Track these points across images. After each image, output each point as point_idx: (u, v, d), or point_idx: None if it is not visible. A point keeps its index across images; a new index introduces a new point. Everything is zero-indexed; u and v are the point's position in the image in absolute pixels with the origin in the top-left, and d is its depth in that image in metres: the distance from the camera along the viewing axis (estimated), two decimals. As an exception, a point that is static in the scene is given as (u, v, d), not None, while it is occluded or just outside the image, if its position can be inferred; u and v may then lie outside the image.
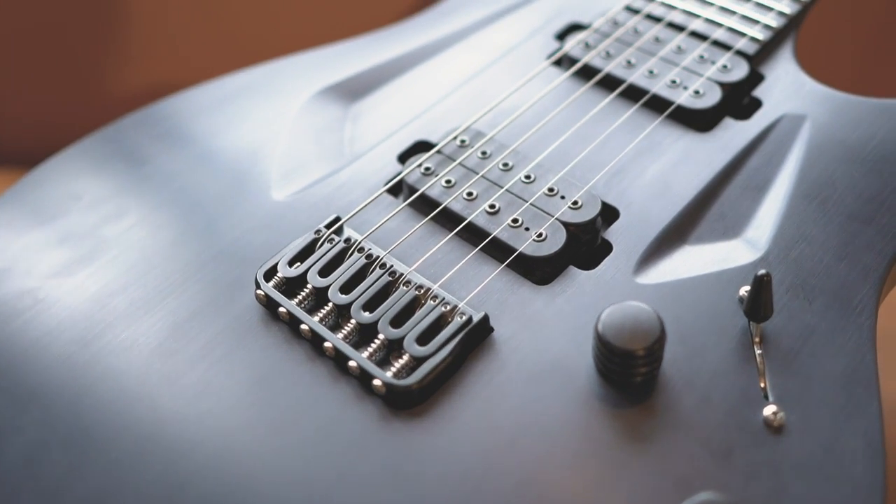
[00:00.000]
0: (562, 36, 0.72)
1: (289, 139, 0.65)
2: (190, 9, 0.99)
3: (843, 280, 0.54)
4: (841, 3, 0.96)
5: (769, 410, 0.48)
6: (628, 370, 0.48)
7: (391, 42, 0.73)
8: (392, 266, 0.54)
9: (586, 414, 0.49)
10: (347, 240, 0.56)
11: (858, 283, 0.54)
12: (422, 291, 0.53)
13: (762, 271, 0.50)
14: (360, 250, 0.55)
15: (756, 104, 0.64)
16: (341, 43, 0.73)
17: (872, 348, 0.51)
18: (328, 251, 0.55)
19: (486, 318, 0.52)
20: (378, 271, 0.54)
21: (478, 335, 0.52)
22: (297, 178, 0.62)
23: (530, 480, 0.47)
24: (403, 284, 0.53)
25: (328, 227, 0.57)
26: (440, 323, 0.52)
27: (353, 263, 0.54)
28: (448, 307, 0.52)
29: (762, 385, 0.49)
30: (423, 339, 0.51)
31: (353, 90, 0.69)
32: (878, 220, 0.57)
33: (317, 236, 0.56)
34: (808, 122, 0.62)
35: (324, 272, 0.54)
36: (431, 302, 0.52)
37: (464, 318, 0.51)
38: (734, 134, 0.62)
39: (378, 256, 0.55)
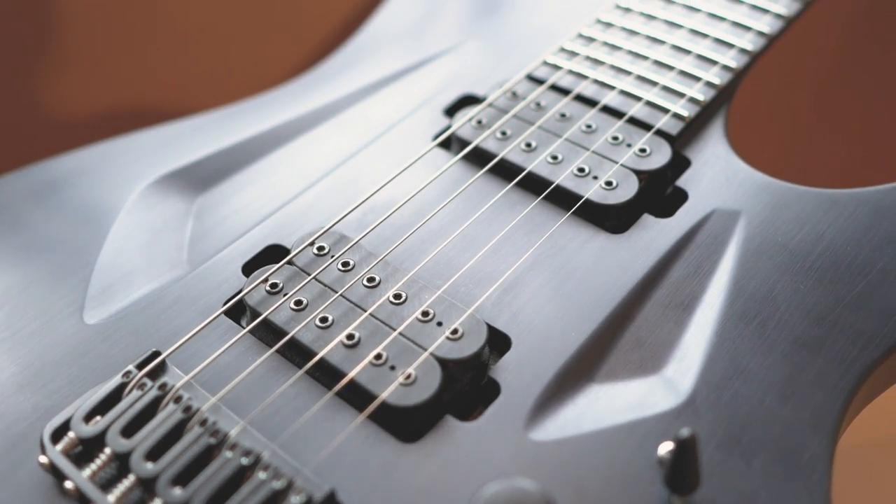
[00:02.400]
0: (452, 111, 0.60)
1: (114, 242, 0.53)
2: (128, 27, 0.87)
3: (788, 428, 0.43)
4: (775, 72, 0.86)
5: None
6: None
7: (251, 117, 0.61)
8: (216, 422, 0.42)
9: None
10: (163, 385, 0.44)
11: (808, 432, 0.43)
12: (250, 459, 0.41)
13: (685, 432, 0.39)
14: (178, 400, 0.43)
15: (681, 197, 0.53)
16: (192, 118, 0.61)
17: (828, 519, 0.40)
18: (137, 401, 0.43)
19: (331, 496, 0.40)
20: (197, 430, 0.42)
21: (322, 517, 0.40)
22: (119, 294, 0.50)
23: None
24: (228, 449, 0.41)
25: (142, 365, 0.45)
26: (275, 502, 0.39)
27: (168, 418, 0.42)
28: (282, 481, 0.40)
29: (688, 582, 0.38)
30: (248, 528, 0.39)
31: (201, 178, 0.57)
32: (830, 347, 0.46)
33: (125, 380, 0.44)
34: (742, 219, 0.51)
35: (129, 431, 0.42)
36: (262, 475, 0.40)
37: (301, 496, 0.39)
38: (654, 235, 0.51)
39: (197, 409, 0.43)
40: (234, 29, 0.89)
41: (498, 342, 0.47)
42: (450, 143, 0.57)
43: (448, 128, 0.58)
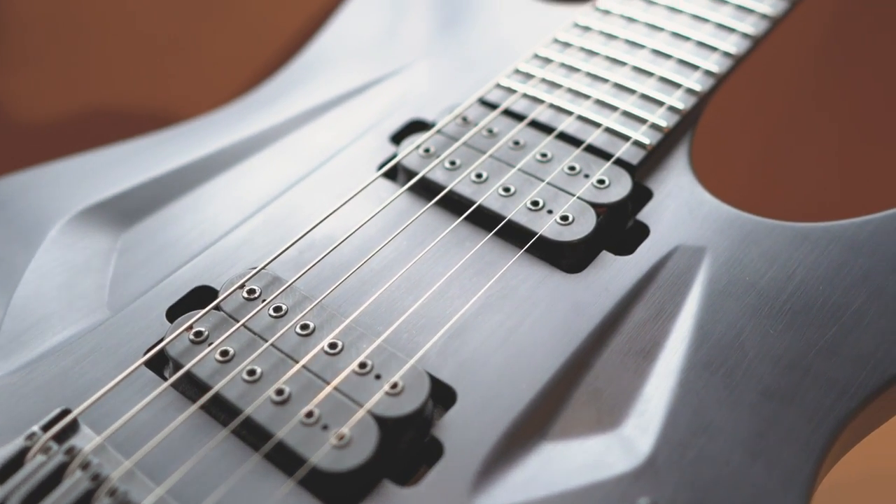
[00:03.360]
0: (399, 137, 0.56)
1: (30, 283, 0.49)
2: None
3: (758, 491, 0.39)
4: (743, 96, 0.83)
5: None
6: None
7: (184, 144, 0.57)
8: (127, 493, 0.38)
9: None
10: (71, 449, 0.39)
11: (779, 493, 0.39)
12: (166, 536, 0.37)
13: (644, 502, 0.35)
14: (85, 466, 0.39)
15: (642, 232, 0.49)
16: (121, 144, 0.57)
17: None
18: (39, 468, 0.39)
19: (252, 580, 0.36)
20: (105, 501, 0.38)
21: None
22: (31, 342, 0.46)
23: None
24: (141, 529, 0.37)
25: (49, 425, 0.40)
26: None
27: (72, 489, 0.38)
28: (200, 561, 0.36)
29: None
30: None
31: (127, 211, 0.53)
32: (802, 398, 0.42)
33: (28, 443, 0.40)
34: (708, 256, 0.47)
35: (31, 502, 0.38)
36: (176, 556, 0.36)
37: (220, 578, 0.35)
38: (613, 275, 0.47)
39: (107, 476, 0.38)
40: (191, 32, 0.85)
41: (443, 395, 0.43)
42: (396, 174, 0.53)
43: (394, 156, 0.54)
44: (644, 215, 0.50)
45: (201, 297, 0.48)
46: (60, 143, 0.80)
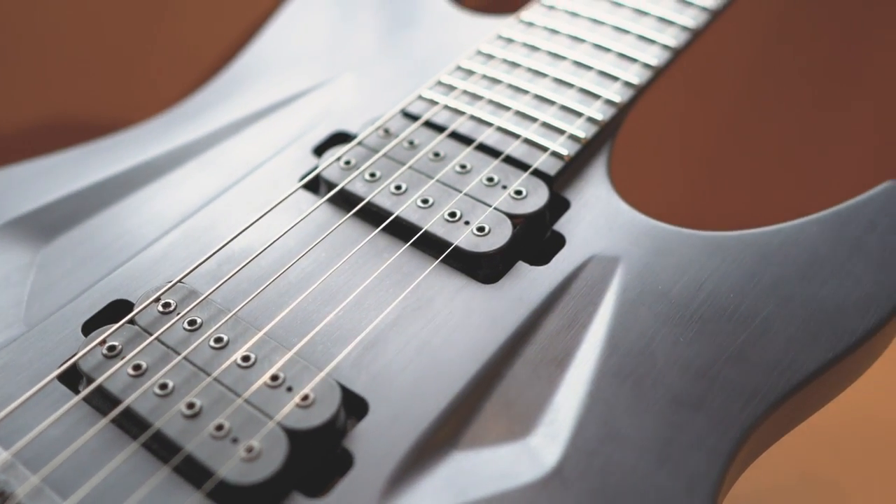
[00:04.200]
0: (322, 150, 0.57)
1: (-55, 299, 0.49)
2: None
3: (664, 496, 0.40)
4: (663, 108, 0.84)
5: None
6: None
7: (106, 158, 0.56)
8: (32, 509, 0.38)
9: None
10: (-23, 466, 0.39)
11: (684, 499, 0.40)
12: (68, 552, 0.37)
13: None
14: (-9, 484, 0.39)
15: (558, 242, 0.50)
16: (43, 158, 0.57)
17: None
18: (-55, 486, 0.39)
19: None
20: (9, 518, 0.38)
21: None
22: (-57, 358, 0.46)
23: None
24: (43, 543, 0.37)
25: (-44, 442, 0.40)
26: None
27: (-22, 506, 0.38)
28: (101, 578, 0.36)
29: None
30: None
31: (46, 225, 0.52)
32: (710, 405, 0.43)
33: (-64, 461, 0.40)
34: (622, 266, 0.48)
35: (-65, 520, 0.38)
36: (77, 573, 0.36)
37: None
38: (528, 285, 0.48)
39: (11, 493, 0.38)
40: (140, 41, 0.84)
41: (356, 407, 0.43)
42: (317, 186, 0.53)
43: (315, 168, 0.54)
44: (561, 226, 0.51)
45: (118, 311, 0.48)
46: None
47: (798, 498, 0.63)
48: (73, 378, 0.44)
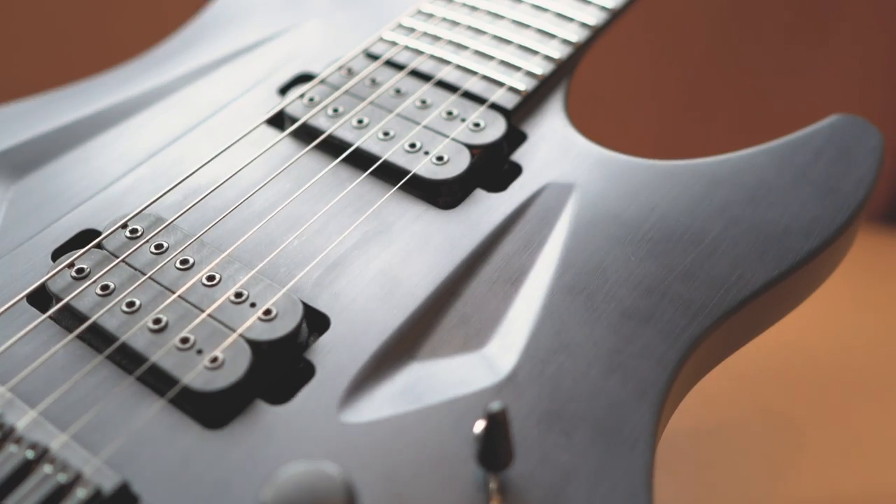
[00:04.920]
0: (287, 90, 0.58)
1: (-83, 232, 0.50)
2: None
3: (612, 401, 0.42)
4: (620, 48, 0.86)
5: None
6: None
7: (75, 101, 0.58)
8: (2, 415, 0.39)
9: None
10: (-51, 379, 0.41)
11: (632, 404, 0.42)
12: (37, 452, 0.38)
13: (495, 406, 0.37)
14: (-38, 395, 0.40)
15: (516, 172, 0.52)
16: (12, 103, 0.58)
17: (648, 493, 0.39)
18: (-83, 396, 0.40)
19: (123, 487, 0.37)
20: (-19, 422, 0.39)
21: (113, 510, 0.37)
22: (-85, 285, 0.47)
23: None
24: (13, 442, 0.38)
25: (-71, 360, 0.42)
26: (59, 498, 0.37)
27: (-51, 414, 0.39)
28: (68, 474, 0.37)
29: (499, 562, 0.36)
30: (27, 527, 0.36)
31: (17, 164, 0.53)
32: (659, 318, 0.45)
33: None
34: (576, 192, 0.50)
35: None
36: (48, 468, 0.37)
37: (89, 489, 0.36)
38: (485, 210, 0.49)
39: (-16, 401, 0.40)
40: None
41: (317, 323, 0.44)
42: (282, 123, 0.55)
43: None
44: (518, 156, 0.52)
45: (87, 240, 0.49)
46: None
47: (755, 431, 0.65)
48: (43, 301, 0.45)
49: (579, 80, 0.58)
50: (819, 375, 0.69)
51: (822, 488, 0.61)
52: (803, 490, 0.61)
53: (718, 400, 0.67)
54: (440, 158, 0.50)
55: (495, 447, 0.38)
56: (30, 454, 0.38)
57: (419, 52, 0.57)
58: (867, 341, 0.73)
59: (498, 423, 0.37)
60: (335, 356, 0.43)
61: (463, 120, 0.52)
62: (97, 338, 0.43)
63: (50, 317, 0.44)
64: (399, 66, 0.56)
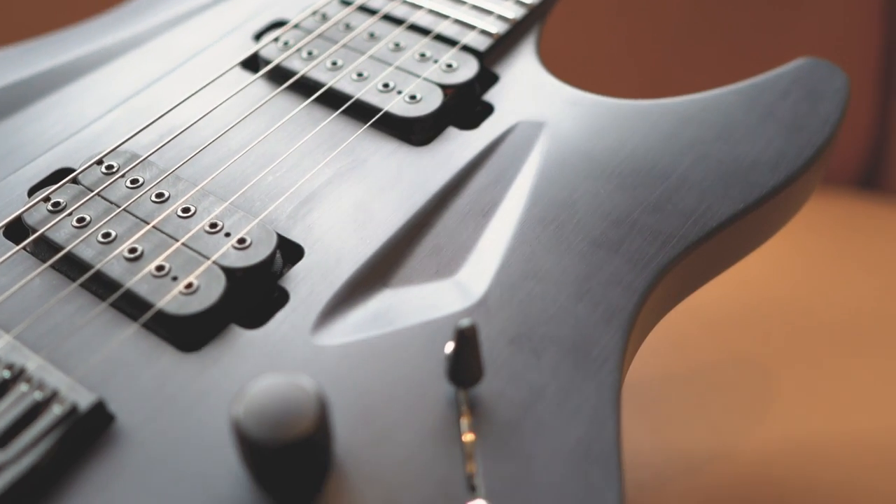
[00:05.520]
0: (261, 36, 0.58)
1: None
2: None
3: (581, 324, 0.42)
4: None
5: (474, 509, 0.36)
6: (279, 472, 0.35)
7: (52, 49, 0.58)
8: (-23, 340, 0.40)
9: (230, 531, 0.35)
10: (-74, 306, 0.41)
11: (601, 328, 0.42)
12: (13, 372, 0.38)
13: (465, 322, 0.38)
14: (-61, 321, 0.40)
15: (488, 111, 0.52)
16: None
17: (615, 412, 0.40)
18: None
19: (99, 406, 0.38)
20: (-44, 348, 0.39)
21: (89, 427, 0.38)
22: None
23: None
24: (-11, 364, 0.39)
25: None
26: (34, 415, 0.37)
27: (-75, 338, 0.40)
28: (45, 392, 0.38)
29: (469, 472, 0.37)
30: (5, 440, 0.36)
31: (-4, 108, 0.54)
32: (628, 247, 0.45)
33: None
34: (547, 129, 0.51)
35: None
36: (24, 386, 0.38)
37: (65, 406, 0.37)
38: (457, 147, 0.50)
39: (-42, 329, 0.40)
40: None
41: (291, 254, 0.45)
42: (257, 66, 0.55)
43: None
44: (490, 96, 0.53)
45: (63, 178, 0.49)
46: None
47: (726, 376, 0.66)
48: (20, 236, 0.46)
49: (554, 26, 0.59)
50: (790, 324, 0.70)
51: (792, 430, 0.62)
52: (774, 432, 0.62)
53: (690, 347, 0.68)
54: (413, 97, 0.51)
55: (465, 363, 0.38)
56: (6, 374, 0.38)
57: (393, -2, 0.57)
58: (837, 294, 0.74)
59: (467, 339, 0.38)
60: (309, 283, 0.43)
61: (436, 61, 0.53)
62: (73, 268, 0.44)
63: (26, 248, 0.45)
64: (372, 11, 0.57)
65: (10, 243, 0.45)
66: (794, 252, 0.78)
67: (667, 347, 0.68)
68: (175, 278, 0.42)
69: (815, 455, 0.61)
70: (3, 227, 0.45)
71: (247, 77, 0.54)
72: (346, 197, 0.47)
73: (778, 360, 0.68)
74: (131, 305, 0.42)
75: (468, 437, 0.38)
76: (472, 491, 0.37)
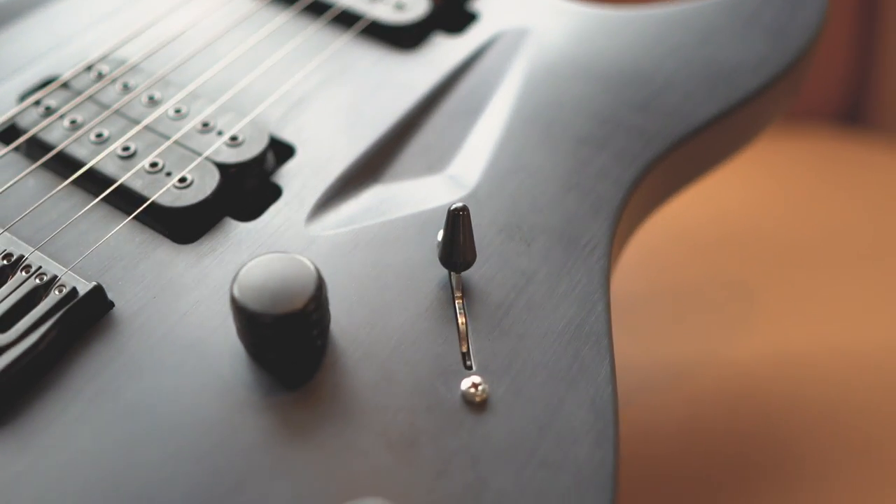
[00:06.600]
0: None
1: None
2: None
3: (570, 215, 0.43)
4: None
5: (469, 383, 0.37)
6: (279, 344, 0.36)
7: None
8: (-25, 235, 0.40)
9: (230, 406, 0.36)
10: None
11: (589, 218, 0.43)
12: (11, 261, 0.39)
13: (457, 204, 0.39)
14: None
15: (473, 18, 0.53)
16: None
17: (605, 295, 0.41)
18: None
19: (98, 290, 0.38)
20: (-45, 240, 0.40)
21: (88, 313, 0.38)
22: None
23: (155, 492, 0.33)
24: (-14, 256, 0.39)
25: None
26: (34, 301, 0.38)
27: (-76, 231, 0.40)
28: (45, 278, 0.38)
29: (463, 350, 0.38)
30: (4, 324, 0.37)
31: (-18, 24, 0.54)
32: (614, 144, 0.46)
33: None
34: (532, 36, 0.51)
35: None
36: (22, 274, 0.38)
37: (64, 291, 0.37)
38: (444, 52, 0.50)
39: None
40: None
41: (283, 154, 0.46)
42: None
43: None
44: (476, 5, 0.53)
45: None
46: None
47: (710, 295, 0.67)
48: (13, 140, 0.46)
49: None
50: (772, 247, 0.71)
51: (776, 343, 0.64)
52: (758, 345, 0.63)
53: (675, 269, 0.69)
54: (399, 6, 0.51)
55: (458, 245, 0.39)
56: (4, 262, 0.39)
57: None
58: (817, 218, 0.76)
59: (460, 219, 0.39)
60: (301, 179, 0.44)
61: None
62: (67, 167, 0.44)
63: (19, 150, 0.45)
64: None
65: (2, 146, 0.46)
66: (775, 183, 0.79)
67: (651, 269, 0.69)
68: (169, 174, 0.43)
69: (799, 367, 0.62)
70: (-6, 130, 0.45)
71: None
72: (335, 99, 0.48)
73: (761, 279, 0.69)
74: (125, 201, 0.42)
75: (461, 318, 0.39)
76: (467, 369, 0.37)
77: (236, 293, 0.35)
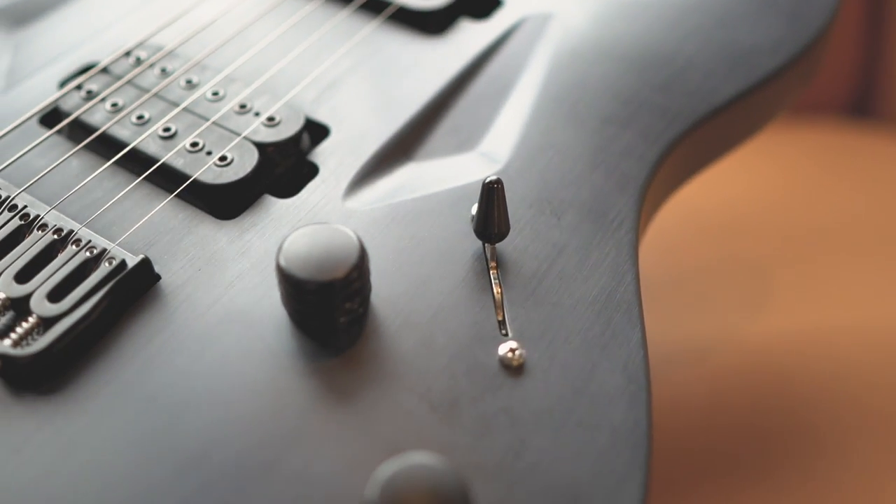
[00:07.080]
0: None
1: (-74, 73, 0.52)
2: None
3: (598, 191, 0.45)
4: None
5: (506, 348, 0.38)
6: (323, 310, 0.37)
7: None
8: (25, 207, 0.41)
9: (277, 371, 0.37)
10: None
11: (616, 194, 0.45)
12: (61, 235, 0.40)
13: (491, 177, 0.40)
14: (-16, 195, 0.42)
15: (497, 3, 0.54)
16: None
17: (634, 266, 0.42)
18: (-55, 195, 0.42)
19: (146, 263, 0.40)
20: (6, 214, 0.41)
21: (136, 285, 0.39)
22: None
23: (204, 456, 0.35)
24: (38, 229, 0.41)
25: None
26: (84, 273, 0.39)
27: (-25, 208, 0.41)
28: (95, 252, 0.39)
29: (499, 318, 0.39)
30: (58, 294, 0.38)
31: (20, 15, 0.55)
32: (638, 123, 0.48)
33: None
34: (556, 20, 0.53)
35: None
36: (73, 247, 0.40)
37: (114, 263, 0.39)
38: (471, 36, 0.52)
39: (8, 197, 0.42)
40: None
41: (318, 134, 0.47)
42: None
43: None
44: (499, -8, 0.55)
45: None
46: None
47: (725, 275, 0.68)
48: (56, 124, 0.47)
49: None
50: (784, 231, 0.73)
51: (792, 322, 0.65)
52: (775, 323, 0.65)
53: (689, 251, 0.71)
54: (418, -8, 0.53)
55: (492, 217, 0.40)
56: (55, 237, 0.40)
57: None
58: (827, 204, 0.77)
59: (495, 192, 0.40)
60: (337, 157, 0.45)
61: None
62: (110, 148, 0.45)
63: (62, 133, 0.46)
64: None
65: (45, 129, 0.47)
66: (783, 173, 0.81)
67: (666, 252, 0.70)
68: (209, 153, 0.44)
69: (814, 345, 0.64)
70: (38, 113, 0.47)
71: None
72: (366, 82, 0.49)
73: (774, 262, 0.70)
74: (167, 179, 0.44)
75: (497, 287, 0.40)
76: (503, 335, 0.39)
77: (282, 261, 0.36)
